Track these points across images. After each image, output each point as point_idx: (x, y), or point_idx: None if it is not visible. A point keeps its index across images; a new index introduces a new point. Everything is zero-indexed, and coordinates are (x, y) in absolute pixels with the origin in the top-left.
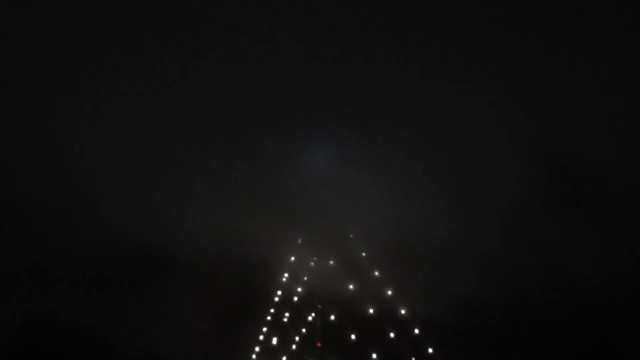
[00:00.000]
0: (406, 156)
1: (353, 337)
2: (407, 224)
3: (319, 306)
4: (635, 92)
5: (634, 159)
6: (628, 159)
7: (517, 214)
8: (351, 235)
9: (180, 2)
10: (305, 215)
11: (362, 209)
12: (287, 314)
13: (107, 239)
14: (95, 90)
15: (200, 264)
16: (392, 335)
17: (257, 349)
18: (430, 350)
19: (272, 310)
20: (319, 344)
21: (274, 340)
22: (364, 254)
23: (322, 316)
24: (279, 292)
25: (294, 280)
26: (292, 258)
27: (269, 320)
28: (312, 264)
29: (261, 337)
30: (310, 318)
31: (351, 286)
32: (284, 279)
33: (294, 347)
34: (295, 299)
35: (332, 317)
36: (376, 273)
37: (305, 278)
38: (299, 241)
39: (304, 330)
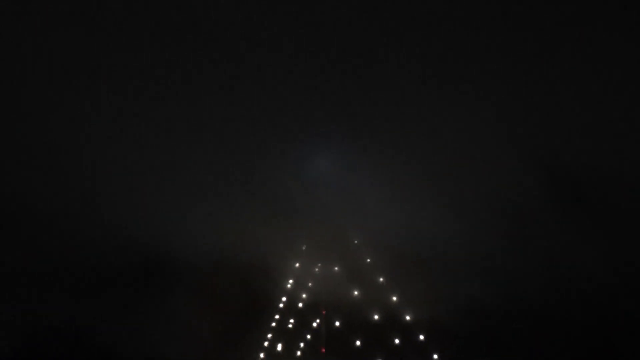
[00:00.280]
0: (409, 159)
1: (358, 343)
2: (411, 228)
3: (324, 312)
4: (636, 93)
5: (636, 161)
6: (630, 160)
7: (520, 217)
8: (356, 241)
9: (182, 6)
10: (309, 221)
11: (367, 214)
12: (291, 320)
13: (110, 243)
14: (97, 92)
15: (203, 269)
16: (397, 341)
17: (261, 355)
18: (435, 356)
19: (276, 317)
20: (323, 350)
21: (279, 347)
22: (368, 260)
23: (326, 322)
24: (284, 298)
25: (299, 286)
26: (297, 264)
27: (273, 327)
28: (317, 269)
29: (265, 344)
30: (314, 324)
31: (356, 292)
32: (289, 285)
33: (298, 353)
34: (300, 305)
35: (337, 323)
36: (381, 279)
37: (310, 284)
38: (303, 247)
39: (308, 336)
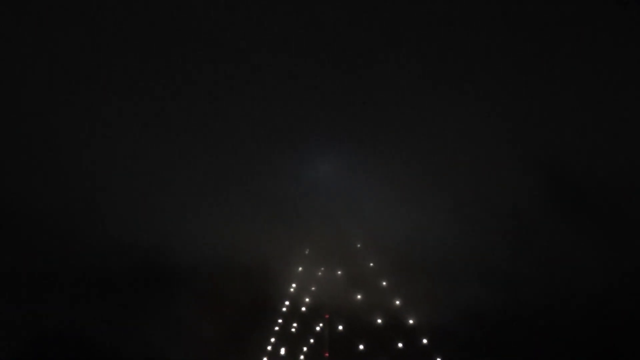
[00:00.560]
0: (410, 163)
1: (361, 347)
2: (413, 232)
3: (327, 316)
4: (636, 96)
5: (636, 163)
6: (630, 162)
7: (522, 221)
8: (359, 245)
9: (183, 9)
10: (313, 226)
11: (369, 218)
12: (295, 324)
13: (113, 246)
14: (100, 96)
15: (206, 273)
16: (399, 345)
17: (265, 359)
18: (443, 358)
19: (280, 320)
20: (326, 354)
21: (282, 350)
22: (371, 264)
23: (330, 326)
24: (287, 302)
25: (302, 290)
26: (300, 268)
27: (277, 331)
28: (320, 274)
29: (269, 348)
30: (318, 328)
31: (359, 296)
32: (292, 289)
33: (302, 357)
34: (303, 309)
35: (340, 327)
36: (383, 283)
37: (313, 288)
38: (307, 251)
39: (312, 340)
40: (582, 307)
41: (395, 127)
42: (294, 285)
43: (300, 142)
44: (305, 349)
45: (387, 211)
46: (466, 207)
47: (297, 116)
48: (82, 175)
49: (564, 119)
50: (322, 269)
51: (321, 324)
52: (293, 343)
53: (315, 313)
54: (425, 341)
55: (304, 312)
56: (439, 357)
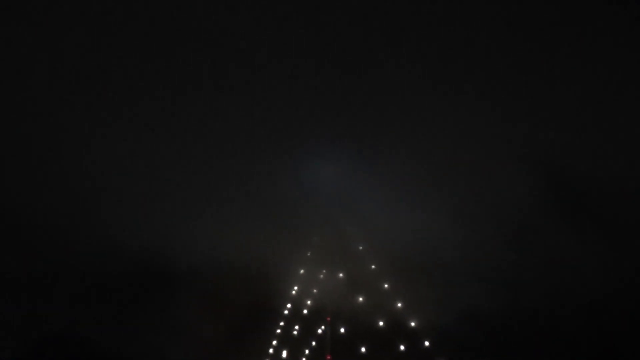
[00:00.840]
0: (412, 167)
1: (363, 349)
2: (415, 235)
3: (328, 319)
4: (637, 98)
5: (637, 166)
6: (630, 165)
7: (523, 225)
8: (360, 247)
9: (183, 13)
10: (314, 228)
11: (370, 221)
12: (296, 327)
13: (116, 251)
14: (101, 100)
15: (209, 277)
16: (401, 347)
17: None
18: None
19: (281, 323)
20: (329, 357)
21: (284, 353)
22: (373, 266)
23: (332, 328)
24: (289, 305)
25: (304, 292)
26: (302, 270)
27: (278, 333)
28: (321, 276)
29: (271, 350)
30: (320, 331)
31: (360, 298)
32: (294, 292)
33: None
34: (305, 311)
35: (342, 330)
36: (385, 285)
37: (315, 290)
38: (308, 254)
39: (313, 343)
40: (582, 308)
41: (396, 128)
42: (295, 287)
43: (301, 143)
44: (307, 351)
45: (388, 213)
46: (467, 209)
47: (297, 117)
48: (82, 177)
49: (564, 120)
50: (324, 271)
51: (323, 327)
52: (295, 346)
53: (316, 315)
54: (427, 343)
55: (305, 314)
56: (443, 358)
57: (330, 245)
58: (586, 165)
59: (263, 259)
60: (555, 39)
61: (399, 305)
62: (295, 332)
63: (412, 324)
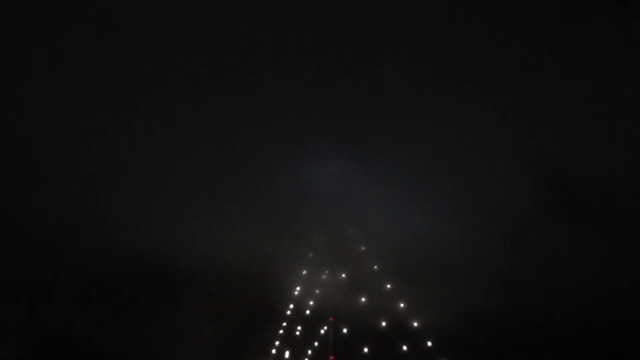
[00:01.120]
0: (412, 168)
1: (365, 349)
2: (416, 237)
3: (331, 319)
4: (637, 98)
5: (636, 167)
6: (629, 166)
7: (524, 226)
8: (363, 248)
9: (186, 15)
10: (316, 229)
11: (372, 222)
12: (299, 328)
13: (118, 252)
14: (100, 101)
15: (211, 278)
16: (404, 347)
17: None
18: None
19: (284, 324)
20: (331, 358)
21: (287, 354)
22: (375, 267)
23: (334, 329)
24: (291, 306)
25: (306, 293)
26: (304, 271)
27: (281, 334)
28: (324, 276)
29: (273, 351)
30: (322, 331)
31: (363, 299)
32: (296, 293)
33: None
34: (307, 312)
35: (345, 330)
36: (387, 286)
37: (317, 291)
38: (310, 254)
39: (316, 343)
40: (582, 308)
41: (396, 128)
42: (297, 288)
43: (302, 144)
44: (309, 352)
45: (389, 213)
46: (467, 209)
47: (297, 118)
48: (82, 178)
49: (564, 120)
50: (326, 271)
51: (325, 327)
52: (297, 346)
53: (319, 316)
54: (429, 343)
55: (307, 315)
56: (444, 358)
57: (332, 245)
58: (586, 165)
59: (264, 260)
60: (554, 38)
61: (401, 305)
62: (297, 333)
63: (415, 324)
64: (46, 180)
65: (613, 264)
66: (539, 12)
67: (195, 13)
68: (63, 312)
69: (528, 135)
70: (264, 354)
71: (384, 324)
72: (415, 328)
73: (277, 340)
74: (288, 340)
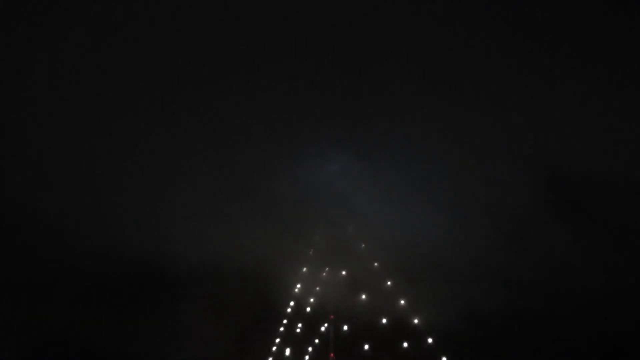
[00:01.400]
0: (412, 168)
1: (366, 347)
2: (415, 236)
3: (332, 317)
4: (636, 98)
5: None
6: (631, 166)
7: (524, 226)
8: (363, 245)
9: (187, 16)
10: (316, 227)
11: (372, 221)
12: (299, 325)
13: (119, 253)
14: (100, 102)
15: (212, 277)
16: (404, 344)
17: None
18: (445, 358)
19: (284, 322)
20: (332, 355)
21: (287, 352)
22: (375, 264)
23: (335, 327)
24: (292, 304)
25: (307, 292)
26: (304, 270)
27: (281, 332)
28: (325, 275)
29: (274, 349)
30: (322, 329)
31: (363, 296)
32: (296, 291)
33: (307, 358)
34: (308, 310)
35: (345, 328)
36: (388, 283)
37: (317, 288)
38: (310, 252)
39: (316, 341)
40: (582, 308)
41: (396, 128)
42: (298, 286)
43: (302, 143)
44: (310, 349)
45: (389, 213)
46: (467, 209)
47: (298, 118)
48: (83, 179)
49: (564, 120)
50: (327, 269)
51: (326, 324)
52: (298, 344)
53: (319, 314)
54: (430, 340)
55: (308, 313)
56: (444, 357)
57: (332, 244)
58: (585, 165)
59: (265, 258)
60: (554, 38)
61: (401, 303)
62: (298, 331)
63: (415, 321)
64: (46, 180)
65: (613, 264)
66: (538, 12)
67: (195, 14)
68: (63, 312)
69: (528, 135)
70: (265, 352)
71: (384, 321)
72: (416, 326)
73: (278, 338)
74: (289, 338)
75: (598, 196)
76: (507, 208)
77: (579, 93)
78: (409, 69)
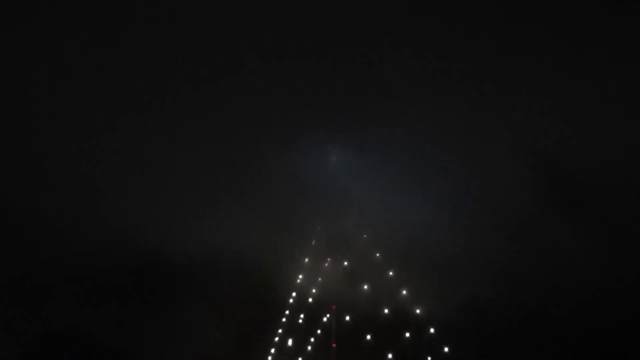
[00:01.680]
0: (414, 163)
1: (368, 337)
2: (416, 229)
3: (334, 307)
4: (634, 95)
5: (634, 161)
6: (628, 161)
7: (524, 221)
8: (365, 236)
9: (183, 20)
10: (318, 220)
11: (373, 214)
12: (302, 316)
13: (119, 249)
14: (100, 101)
15: (213, 272)
16: (406, 335)
17: (272, 350)
18: (445, 349)
19: (287, 312)
20: (334, 345)
21: (290, 342)
22: (377, 255)
23: (337, 317)
24: (294, 295)
25: (309, 283)
26: (306, 260)
27: (284, 323)
28: (326, 265)
29: (277, 340)
30: (325, 319)
31: (365, 287)
32: (298, 282)
33: (309, 348)
34: (310, 300)
35: (347, 318)
36: (390, 274)
37: (320, 279)
38: (313, 242)
39: (319, 331)
40: (580, 300)
41: (396, 122)
42: (300, 277)
43: (306, 138)
44: (313, 340)
45: (391, 205)
46: (469, 205)
47: (299, 113)
48: (83, 179)
49: (563, 116)
50: (329, 259)
51: (328, 315)
52: (300, 335)
53: (322, 305)
54: (431, 330)
55: (310, 304)
56: (446, 348)
57: (334, 235)
58: (585, 161)
59: (267, 251)
60: (553, 32)
61: (403, 293)
62: (300, 322)
63: (417, 311)
64: (46, 180)
65: (611, 258)
66: (538, 6)
67: (190, 14)
68: (64, 309)
69: (529, 130)
70: (268, 343)
71: (386, 311)
72: (418, 317)
73: (280, 329)
74: (291, 329)
75: (598, 191)
76: (508, 202)
77: (579, 88)
78: (410, 65)
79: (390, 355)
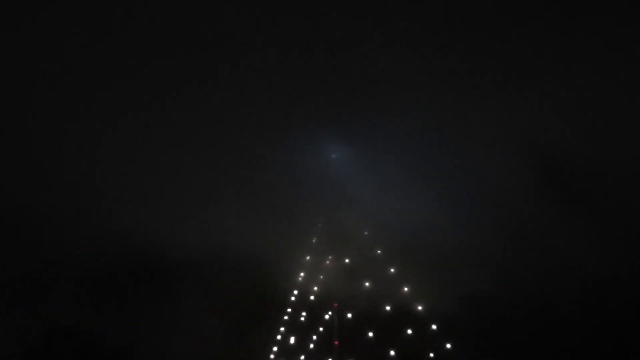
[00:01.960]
0: (412, 157)
1: (370, 334)
2: (415, 224)
3: (335, 305)
4: (633, 90)
5: (633, 155)
6: (626, 154)
7: (524, 216)
8: (366, 233)
9: (184, 17)
10: (318, 216)
11: (373, 209)
12: (303, 314)
13: (120, 247)
14: (100, 100)
15: (214, 269)
16: (409, 331)
17: (274, 348)
18: (447, 345)
19: (288, 310)
20: (336, 343)
21: (292, 340)
22: (379, 251)
23: (338, 314)
24: (295, 292)
25: (310, 280)
26: (307, 257)
27: (285, 320)
28: (327, 262)
29: (279, 337)
30: (327, 317)
31: (367, 284)
32: (300, 279)
33: (311, 346)
34: (312, 298)
35: (349, 315)
36: (391, 270)
37: (321, 277)
38: (314, 240)
39: (321, 329)
40: (580, 294)
41: (395, 116)
42: (302, 274)
43: (299, 131)
44: (314, 337)
45: (388, 201)
46: (467, 198)
47: (295, 106)
48: (82, 177)
49: (561, 106)
50: (330, 257)
51: (330, 312)
52: (302, 332)
53: (323, 302)
54: (433, 327)
55: (312, 301)
56: (447, 345)
57: (334, 231)
58: (583, 151)
59: (268, 248)
60: (551, 26)
61: (405, 290)
62: (302, 319)
63: (419, 307)
64: (46, 180)
65: (610, 249)
66: (539, 4)
67: (189, 21)
68: (64, 308)
69: (526, 121)
70: (269, 341)
71: (387, 308)
72: (419, 313)
73: (282, 326)
74: (293, 327)
75: (597, 182)
76: (506, 195)
77: (577, 82)
78: (405, 56)
79: (392, 352)
